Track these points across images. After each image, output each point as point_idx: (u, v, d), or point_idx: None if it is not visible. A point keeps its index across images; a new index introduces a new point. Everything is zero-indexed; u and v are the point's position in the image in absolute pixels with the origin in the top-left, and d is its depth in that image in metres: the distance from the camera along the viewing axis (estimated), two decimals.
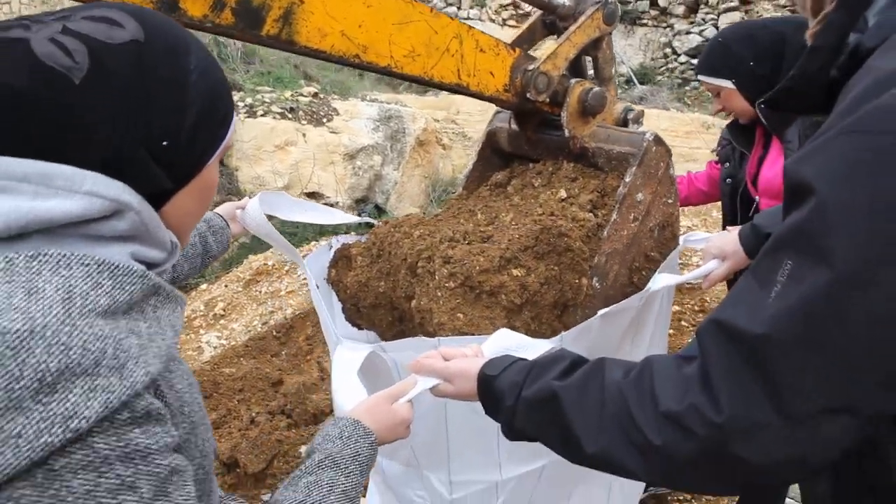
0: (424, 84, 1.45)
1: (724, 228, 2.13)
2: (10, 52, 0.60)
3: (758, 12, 10.78)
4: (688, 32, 11.51)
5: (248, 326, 4.12)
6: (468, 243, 1.37)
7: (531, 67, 1.51)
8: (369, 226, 1.71)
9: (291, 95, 7.71)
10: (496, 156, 1.88)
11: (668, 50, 11.80)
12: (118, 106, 0.63)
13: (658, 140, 1.50)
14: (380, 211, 9.81)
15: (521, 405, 0.91)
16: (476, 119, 9.47)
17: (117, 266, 0.61)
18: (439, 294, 1.30)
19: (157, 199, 0.68)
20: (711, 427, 0.70)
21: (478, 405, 1.02)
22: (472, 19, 12.94)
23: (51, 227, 0.59)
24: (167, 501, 0.58)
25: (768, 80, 1.75)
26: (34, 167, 0.59)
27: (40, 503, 0.52)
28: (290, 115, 7.28)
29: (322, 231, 5.55)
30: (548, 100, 1.56)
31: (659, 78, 11.75)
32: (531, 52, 1.62)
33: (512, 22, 13.36)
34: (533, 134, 1.73)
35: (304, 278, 4.81)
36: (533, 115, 1.68)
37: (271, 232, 1.53)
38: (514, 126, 1.77)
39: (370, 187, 7.94)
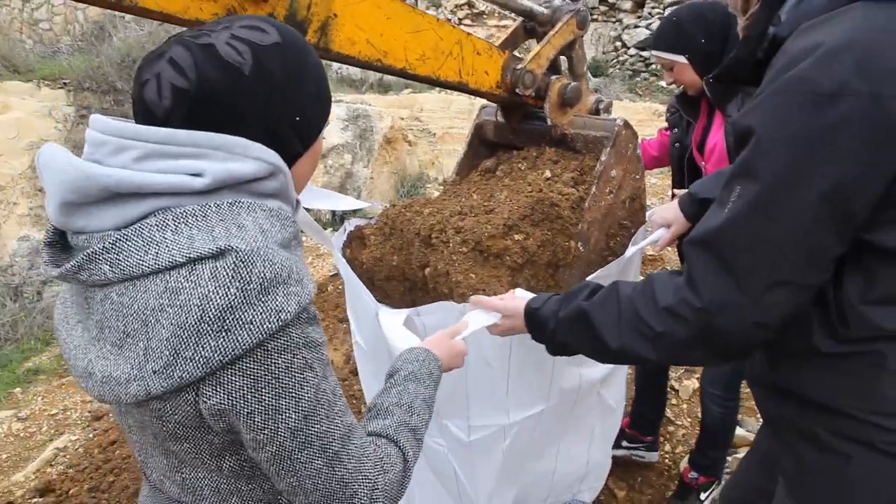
0: (432, 83, 1.68)
1: (672, 187, 2.40)
2: (206, 54, 0.80)
3: None
4: (636, 26, 11.96)
5: None
6: (475, 216, 1.61)
7: (519, 67, 1.77)
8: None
9: None
10: (483, 146, 2.13)
11: (618, 43, 12.22)
12: (272, 90, 0.83)
13: (627, 125, 1.78)
14: None
15: (560, 323, 1.20)
16: (439, 116, 9.71)
17: (280, 212, 0.83)
18: (454, 258, 1.55)
19: (290, 164, 0.88)
20: (697, 311, 0.97)
21: (493, 359, 1.28)
22: None
23: (233, 183, 0.80)
24: (326, 381, 0.82)
25: (717, 57, 1.98)
26: (221, 139, 0.78)
27: (257, 373, 0.74)
28: None
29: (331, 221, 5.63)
30: (533, 94, 1.82)
31: (611, 70, 12.17)
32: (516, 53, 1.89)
33: (468, 21, 13.63)
34: (517, 124, 1.98)
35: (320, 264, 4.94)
36: (518, 107, 1.93)
37: (302, 215, 1.73)
38: (499, 118, 2.02)
39: (342, 185, 8.12)
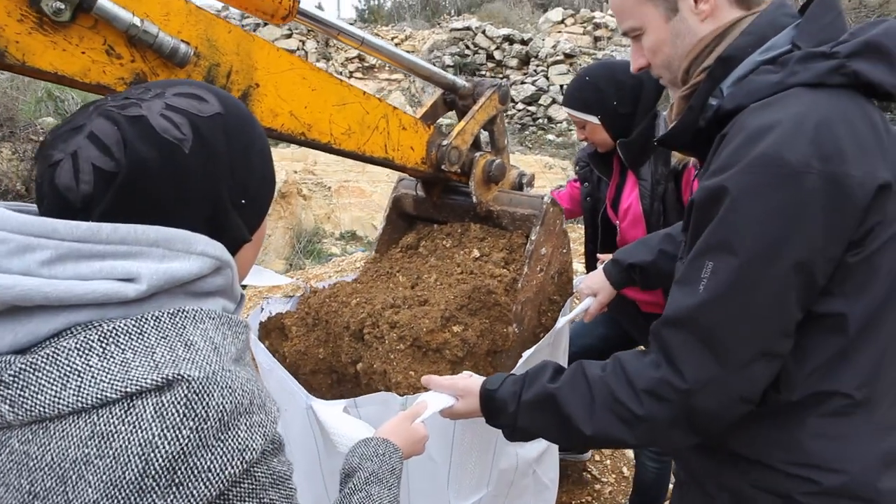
0: (356, 158, 1.58)
1: (586, 241, 2.43)
2: (135, 128, 0.66)
3: (580, 65, 12.07)
4: (522, 82, 12.55)
5: None
6: (409, 307, 1.51)
7: (444, 143, 1.71)
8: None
9: None
10: (402, 219, 2.06)
11: None
12: (215, 170, 0.70)
13: (554, 202, 1.75)
14: None
15: (522, 408, 1.12)
16: (333, 169, 9.58)
17: (230, 318, 0.69)
18: (391, 356, 1.43)
19: (234, 253, 0.75)
20: (681, 392, 0.95)
21: (434, 450, 1.17)
22: None
23: (172, 286, 0.65)
24: None
25: (628, 119, 2.01)
26: (159, 233, 0.65)
27: None
28: None
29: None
30: (458, 170, 1.76)
31: None
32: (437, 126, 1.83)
33: (358, 74, 13.72)
34: (439, 199, 1.92)
35: None
36: (439, 182, 1.88)
37: None
38: (419, 192, 1.96)
39: None
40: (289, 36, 13.27)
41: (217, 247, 0.69)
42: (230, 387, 0.61)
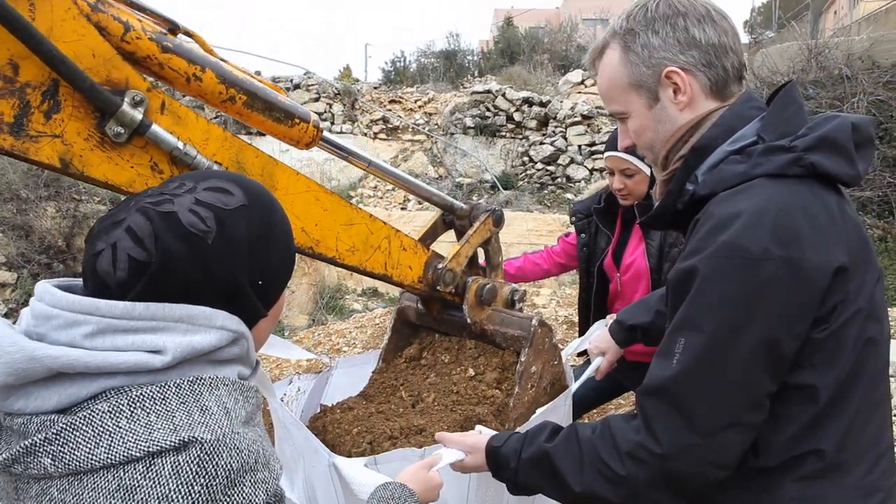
0: (357, 272, 1.73)
1: (581, 290, 2.54)
2: (167, 223, 0.77)
3: (599, 127, 12.31)
4: (541, 143, 12.80)
5: None
6: (406, 437, 1.63)
7: (440, 266, 1.85)
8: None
9: None
10: (406, 327, 2.20)
11: (525, 158, 12.99)
12: (235, 256, 0.80)
13: (542, 323, 1.87)
14: None
15: (522, 464, 1.23)
16: None
17: (242, 384, 0.79)
18: None
19: (251, 326, 0.85)
20: (657, 456, 1.03)
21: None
22: (345, 133, 13.53)
23: (194, 357, 0.75)
24: None
25: None
26: (183, 310, 0.75)
27: None
28: None
29: None
30: (452, 290, 1.90)
31: (520, 183, 12.85)
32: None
33: (382, 135, 14.15)
34: (438, 314, 2.05)
35: None
36: (437, 300, 2.01)
37: None
38: (420, 307, 2.10)
39: None
40: (316, 99, 13.78)
41: (234, 321, 0.80)
42: (238, 448, 0.71)
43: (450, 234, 2.13)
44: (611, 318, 1.97)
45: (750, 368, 0.98)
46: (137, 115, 1.17)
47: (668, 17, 1.11)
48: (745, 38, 15.51)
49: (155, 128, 1.20)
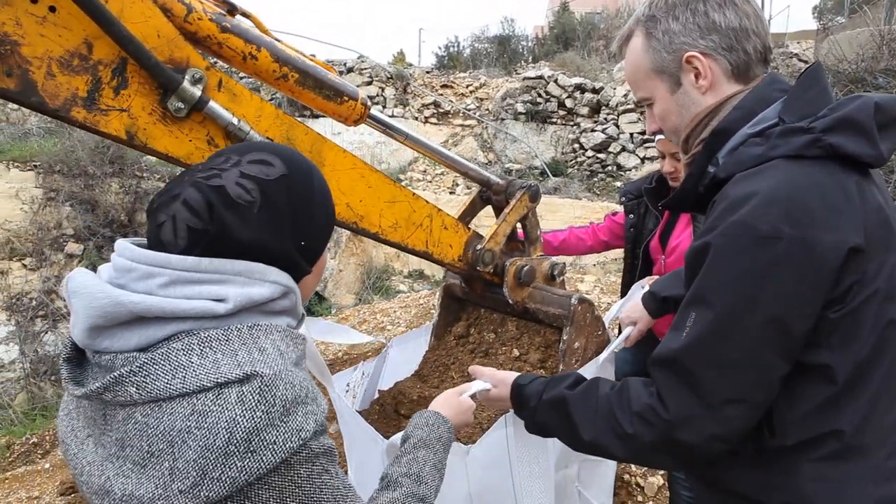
0: (399, 249, 1.79)
1: (624, 270, 2.56)
2: (217, 195, 0.86)
3: None
4: (592, 130, 12.62)
5: None
6: None
7: (479, 246, 1.90)
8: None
9: None
10: (454, 302, 2.27)
11: (576, 145, 12.84)
12: (279, 222, 0.90)
13: (581, 299, 1.91)
14: (319, 298, 9.91)
15: (542, 405, 1.29)
16: None
17: (292, 332, 0.90)
18: None
19: (298, 282, 0.95)
20: (663, 421, 1.07)
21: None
22: (396, 117, 13.65)
23: (251, 306, 0.86)
24: (339, 478, 0.87)
25: None
26: (242, 265, 0.86)
27: (282, 485, 0.79)
28: None
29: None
30: (491, 270, 1.95)
31: (570, 170, 12.72)
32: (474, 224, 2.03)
33: (433, 119, 14.20)
34: (482, 292, 2.11)
35: None
36: (478, 279, 2.06)
37: (311, 349, 1.76)
38: (463, 285, 2.16)
39: None
40: (369, 83, 13.92)
41: (285, 276, 0.90)
42: (291, 382, 0.81)
43: (489, 210, 2.17)
44: (648, 281, 2.00)
45: (757, 345, 0.99)
46: (197, 91, 1.26)
47: (689, 3, 1.12)
48: (813, 25, 14.85)
49: (212, 104, 1.29)
